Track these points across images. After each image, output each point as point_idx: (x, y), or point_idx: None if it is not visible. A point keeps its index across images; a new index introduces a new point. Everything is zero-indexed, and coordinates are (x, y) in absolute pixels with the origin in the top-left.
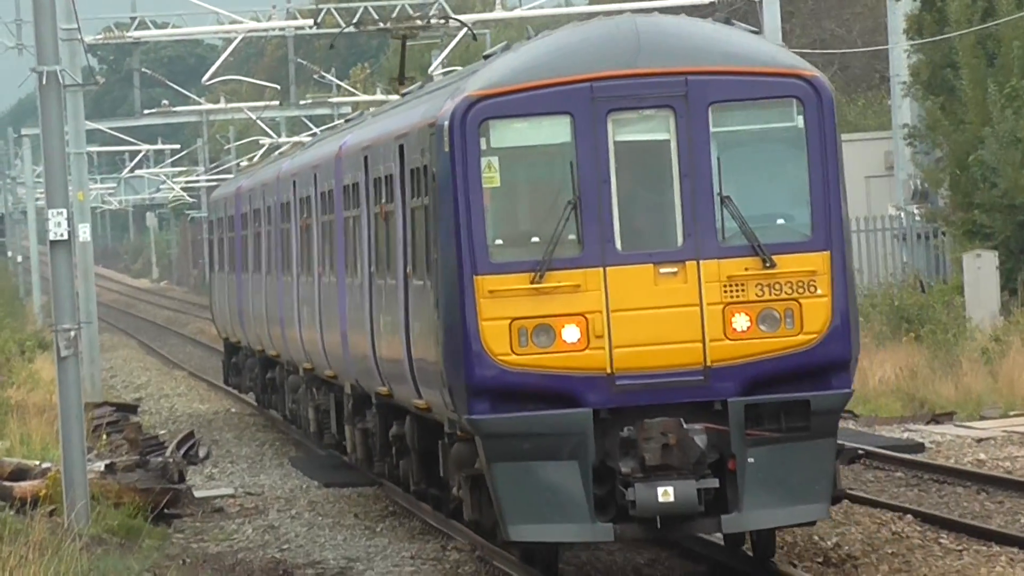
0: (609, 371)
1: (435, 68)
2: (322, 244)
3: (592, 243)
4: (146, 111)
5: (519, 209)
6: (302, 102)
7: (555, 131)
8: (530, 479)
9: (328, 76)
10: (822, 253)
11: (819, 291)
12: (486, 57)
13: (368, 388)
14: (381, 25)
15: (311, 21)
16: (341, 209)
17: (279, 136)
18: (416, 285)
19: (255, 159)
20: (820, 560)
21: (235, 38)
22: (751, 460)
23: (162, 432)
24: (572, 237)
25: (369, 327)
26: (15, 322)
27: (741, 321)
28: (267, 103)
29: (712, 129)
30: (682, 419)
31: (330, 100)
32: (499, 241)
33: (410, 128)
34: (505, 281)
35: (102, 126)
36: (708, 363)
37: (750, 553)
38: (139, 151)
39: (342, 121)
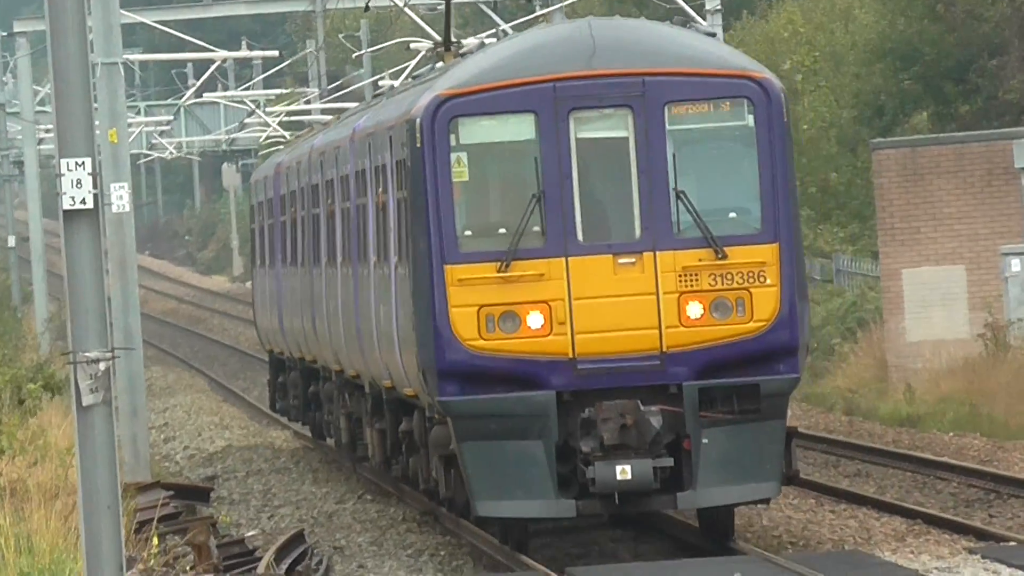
0: (571, 356)
1: None
2: (342, 233)
3: (555, 234)
4: None
5: (487, 202)
6: None
7: (520, 128)
8: (497, 457)
9: None
10: (771, 245)
11: (768, 281)
12: (462, 55)
13: (379, 383)
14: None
15: None
16: (354, 196)
17: (444, 37)
18: (400, 274)
19: (405, 75)
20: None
21: None
22: (705, 440)
23: (251, 533)
24: (536, 229)
25: (372, 318)
26: (6, 347)
27: (695, 309)
28: None
29: (668, 127)
30: (639, 401)
31: None
32: (468, 232)
33: (396, 120)
34: (473, 270)
35: (148, 19)
36: (664, 349)
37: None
38: (211, 61)
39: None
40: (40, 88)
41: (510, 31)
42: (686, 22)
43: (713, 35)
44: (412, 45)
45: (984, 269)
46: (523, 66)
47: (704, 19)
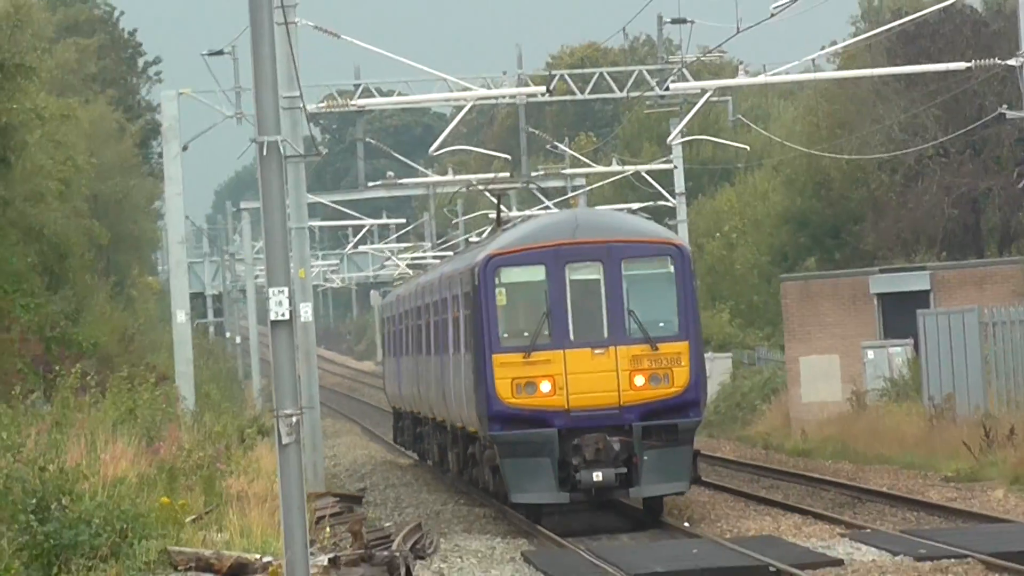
0: (566, 407)
1: (674, 137)
2: (434, 335)
3: (557, 336)
4: (370, 183)
5: (517, 317)
6: (533, 174)
7: (536, 273)
8: (523, 467)
9: (561, 146)
10: (685, 342)
11: (683, 363)
12: (504, 229)
13: (455, 425)
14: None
15: (543, 88)
16: (441, 313)
17: (510, 209)
18: (466, 359)
19: (484, 234)
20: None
21: (464, 106)
22: (645, 457)
23: (388, 524)
24: (546, 332)
25: (451, 386)
26: (234, 407)
27: (639, 380)
28: (495, 175)
29: (623, 273)
30: (606, 435)
31: (563, 172)
32: (505, 334)
33: (464, 269)
34: (508, 357)
35: (324, 199)
36: (621, 403)
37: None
38: (363, 226)
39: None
40: (256, 243)
41: (553, 207)
42: (634, 211)
43: (650, 218)
44: (490, 215)
45: (851, 357)
46: (537, 236)
47: (674, 197)
